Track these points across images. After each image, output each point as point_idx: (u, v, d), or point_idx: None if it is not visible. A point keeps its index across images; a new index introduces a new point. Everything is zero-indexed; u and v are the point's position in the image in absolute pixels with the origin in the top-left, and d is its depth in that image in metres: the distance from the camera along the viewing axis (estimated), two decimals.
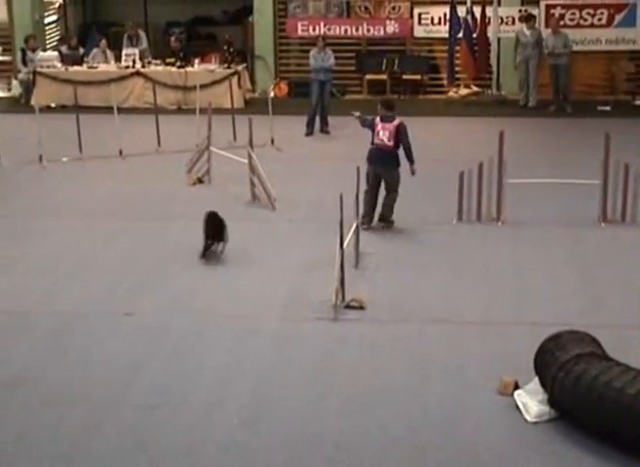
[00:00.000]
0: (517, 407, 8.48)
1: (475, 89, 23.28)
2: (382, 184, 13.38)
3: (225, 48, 22.93)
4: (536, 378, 8.54)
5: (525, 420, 8.31)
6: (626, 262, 12.13)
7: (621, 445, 7.84)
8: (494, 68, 22.68)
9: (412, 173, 13.27)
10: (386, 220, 13.44)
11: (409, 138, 13.22)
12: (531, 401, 8.43)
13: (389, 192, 13.41)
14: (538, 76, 21.79)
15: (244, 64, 23.25)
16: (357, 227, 11.89)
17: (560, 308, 10.71)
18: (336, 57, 20.09)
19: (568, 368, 8.16)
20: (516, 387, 8.69)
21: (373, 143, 13.31)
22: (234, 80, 21.90)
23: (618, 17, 22.45)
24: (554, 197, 14.37)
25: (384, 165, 13.25)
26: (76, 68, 22.55)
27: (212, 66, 22.59)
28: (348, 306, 10.67)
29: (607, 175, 13.35)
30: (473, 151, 15.95)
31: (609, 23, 22.50)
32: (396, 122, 13.16)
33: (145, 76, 22.23)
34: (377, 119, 13.24)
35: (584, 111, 20.99)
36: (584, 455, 7.85)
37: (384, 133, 13.12)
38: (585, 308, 10.74)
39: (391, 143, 13.15)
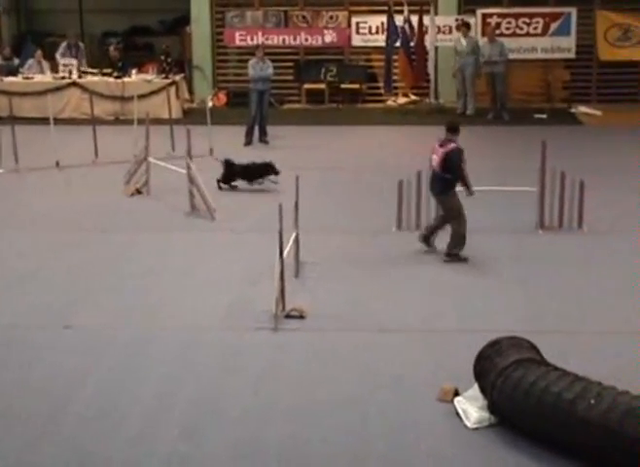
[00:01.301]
0: (458, 413, 8.53)
1: (413, 97, 23.47)
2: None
3: (162, 58, 22.88)
4: (476, 385, 8.60)
5: (465, 426, 8.36)
6: (564, 268, 12.27)
7: (560, 449, 7.92)
8: (432, 77, 22.86)
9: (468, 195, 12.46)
10: (448, 253, 12.58)
11: (463, 165, 12.38)
12: (471, 407, 8.48)
13: (446, 221, 12.67)
14: (475, 84, 22.00)
15: (182, 74, 23.23)
16: (297, 236, 11.88)
17: (501, 315, 10.79)
18: (274, 67, 20.13)
19: (507, 374, 8.23)
20: (456, 394, 8.74)
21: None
22: (172, 90, 21.89)
23: (553, 26, 22.76)
24: (493, 205, 14.50)
25: (434, 191, 12.62)
26: (11, 79, 22.37)
27: (150, 76, 22.53)
28: (289, 316, 10.67)
29: (544, 182, 13.50)
30: (412, 159, 16.04)
31: (544, 32, 22.82)
32: (450, 146, 12.25)
33: (82, 87, 22.09)
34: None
35: (521, 119, 21.25)
36: (524, 460, 7.90)
37: (435, 158, 12.36)
38: (525, 315, 10.82)
39: (438, 169, 12.32)
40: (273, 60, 20.54)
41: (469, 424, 8.36)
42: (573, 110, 22.39)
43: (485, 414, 8.37)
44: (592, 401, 7.76)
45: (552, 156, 13.67)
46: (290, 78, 23.94)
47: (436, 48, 22.80)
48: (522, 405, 8.09)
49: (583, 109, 22.23)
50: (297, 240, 11.92)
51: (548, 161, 13.46)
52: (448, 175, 12.26)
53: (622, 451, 7.58)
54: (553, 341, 9.66)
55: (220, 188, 15.80)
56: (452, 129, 12.37)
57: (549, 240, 13.31)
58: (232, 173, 15.88)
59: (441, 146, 12.31)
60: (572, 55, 22.96)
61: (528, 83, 23.18)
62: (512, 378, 8.19)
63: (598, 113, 22.04)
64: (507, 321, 10.51)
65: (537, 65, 23.27)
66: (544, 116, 21.63)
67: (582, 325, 10.56)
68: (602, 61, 23.14)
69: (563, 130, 19.95)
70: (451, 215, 12.48)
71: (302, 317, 10.68)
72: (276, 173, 15.62)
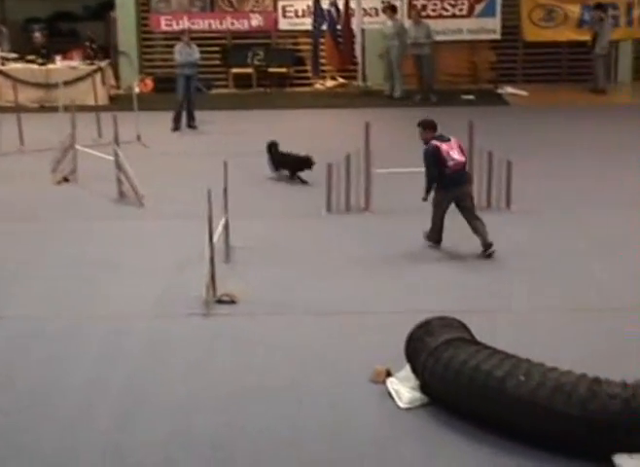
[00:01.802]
0: (390, 394, 8.57)
1: (341, 80, 23.47)
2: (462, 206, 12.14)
3: (87, 44, 22.61)
4: (407, 366, 8.64)
5: (398, 407, 8.39)
6: (496, 245, 12.35)
7: (491, 427, 7.99)
8: (359, 59, 22.88)
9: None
10: (491, 245, 12.02)
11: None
12: (403, 388, 8.52)
13: (474, 211, 12.22)
14: (401, 66, 22.05)
15: (108, 60, 22.97)
16: (226, 221, 11.82)
17: (435, 295, 10.85)
18: (201, 52, 20.00)
19: (437, 354, 8.28)
20: (389, 375, 8.77)
21: (448, 170, 11.76)
22: (98, 76, 21.66)
23: (478, 8, 22.89)
24: (420, 186, 14.47)
25: (467, 183, 12.19)
26: None
27: (75, 63, 22.26)
28: (220, 301, 10.62)
29: (472, 162, 13.58)
30: (340, 142, 16.05)
31: (470, 13, 22.94)
32: (454, 138, 12.01)
33: (5, 74, 21.75)
34: (436, 145, 11.78)
35: (448, 100, 21.35)
36: (456, 438, 7.96)
37: (454, 152, 11.80)
38: (458, 295, 10.88)
39: (464, 158, 11.97)
40: (200, 45, 20.41)
41: (401, 404, 8.39)
42: (500, 91, 22.54)
43: (417, 395, 8.41)
44: (522, 378, 7.84)
45: (481, 136, 13.77)
46: (217, 63, 23.81)
47: (363, 30, 22.81)
48: (454, 384, 8.14)
49: (509, 89, 22.41)
50: (226, 226, 11.87)
51: (476, 142, 13.55)
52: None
53: (551, 427, 7.69)
54: (484, 320, 9.75)
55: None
56: (435, 126, 11.99)
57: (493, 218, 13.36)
58: (274, 160, 15.51)
59: (447, 141, 11.87)
60: (497, 36, 23.10)
61: (455, 64, 23.30)
62: (442, 358, 8.24)
63: (524, 93, 22.23)
64: (440, 301, 10.55)
65: (463, 47, 23.38)
66: (471, 97, 21.74)
67: (508, 303, 10.67)
68: (527, 42, 23.32)
69: (491, 111, 20.10)
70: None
71: (233, 302, 10.63)
72: (309, 167, 15.17)
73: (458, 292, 10.95)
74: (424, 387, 8.41)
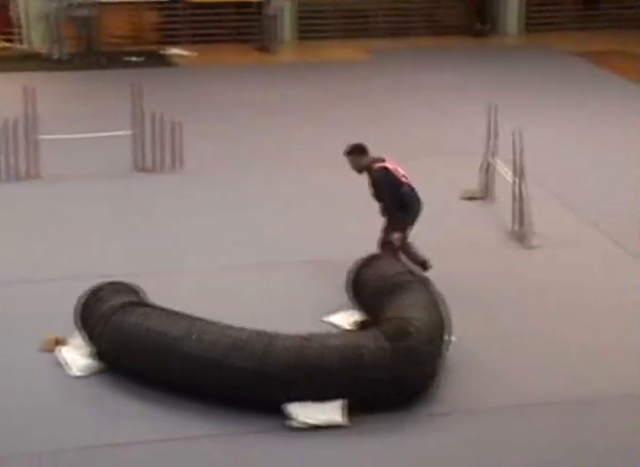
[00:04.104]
0: (61, 362, 8.42)
1: (3, 43, 22.54)
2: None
3: None
4: (78, 333, 8.52)
5: (69, 375, 8.27)
6: (163, 208, 12.35)
7: (171, 387, 8.04)
8: (23, 21, 22.06)
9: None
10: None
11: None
12: (77, 355, 8.40)
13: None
14: (63, 28, 21.45)
15: None
16: None
17: (103, 259, 10.74)
18: None
19: (108, 319, 8.22)
20: (59, 343, 8.59)
21: (405, 188, 10.02)
22: None
23: None
24: (91, 151, 14.20)
25: None
26: None
27: None
28: None
29: (141, 125, 13.49)
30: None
31: None
32: (387, 158, 10.23)
33: None
34: (383, 166, 10.07)
35: (114, 62, 20.96)
36: (133, 403, 7.97)
37: (397, 167, 10.19)
38: (131, 257, 10.83)
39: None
40: None
41: (74, 372, 8.28)
42: (165, 52, 22.36)
43: (91, 362, 8.32)
44: (194, 336, 7.92)
45: (149, 99, 13.67)
46: None
47: None
48: (128, 348, 8.13)
49: (175, 51, 22.30)
50: None
51: (145, 105, 13.44)
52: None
53: (227, 381, 7.83)
54: (159, 282, 9.76)
55: None
56: (365, 150, 10.18)
57: (146, 181, 13.31)
58: None
59: (383, 160, 10.21)
60: None
61: (119, 26, 22.92)
62: (114, 323, 8.19)
63: (191, 54, 22.20)
64: (111, 265, 10.47)
65: (126, 8, 23.01)
66: (138, 58, 21.47)
67: (181, 264, 10.77)
68: (192, 2, 23.30)
69: (158, 73, 19.94)
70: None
71: None
72: None
73: (131, 255, 10.91)
74: (98, 354, 8.33)
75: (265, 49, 22.09)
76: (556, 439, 7.65)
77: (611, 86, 18.54)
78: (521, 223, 11.41)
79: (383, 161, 10.11)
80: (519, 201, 11.40)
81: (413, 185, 10.09)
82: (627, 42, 21.78)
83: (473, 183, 12.52)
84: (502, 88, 17.88)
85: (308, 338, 7.96)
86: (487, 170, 12.45)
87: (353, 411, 7.73)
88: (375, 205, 10.13)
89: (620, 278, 10.50)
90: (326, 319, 9.22)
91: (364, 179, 10.11)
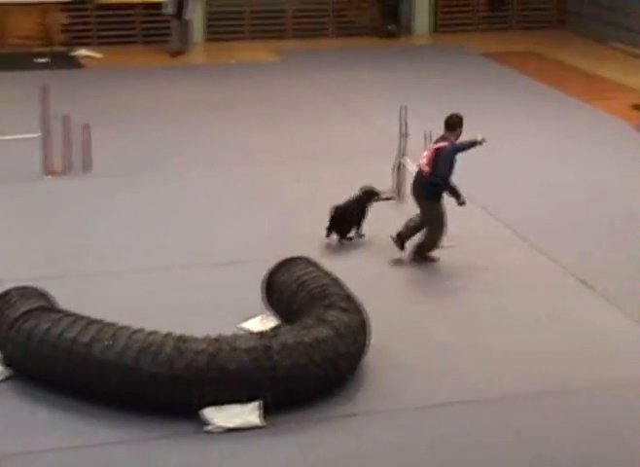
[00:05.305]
0: None
1: None
2: None
3: None
4: None
5: None
6: (72, 211, 12.15)
7: (82, 394, 7.91)
8: None
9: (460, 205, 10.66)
10: (417, 252, 10.78)
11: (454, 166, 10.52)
12: None
13: (424, 225, 10.77)
14: None
15: None
16: None
17: (13, 263, 10.54)
18: None
19: (18, 325, 8.09)
20: None
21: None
22: None
23: None
24: None
25: (416, 195, 10.79)
26: None
27: None
28: None
29: (48, 128, 13.28)
30: None
31: None
32: (442, 143, 10.46)
33: None
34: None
35: (20, 64, 20.65)
36: (41, 410, 7.86)
37: (424, 156, 10.57)
38: (40, 261, 10.66)
39: (427, 169, 10.48)
40: None
41: None
42: (74, 53, 22.10)
43: (0, 368, 8.16)
44: (107, 342, 7.81)
45: (57, 100, 13.47)
46: None
47: None
48: (38, 354, 7.99)
49: (83, 52, 22.02)
50: None
51: (52, 107, 13.23)
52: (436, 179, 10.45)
53: (140, 388, 7.73)
54: (69, 287, 9.61)
55: None
56: (447, 124, 10.48)
57: (55, 185, 13.10)
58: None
59: (435, 143, 10.64)
60: None
61: (26, 27, 22.58)
62: (24, 329, 8.05)
63: (99, 55, 21.95)
64: (19, 269, 10.30)
65: (34, 9, 22.68)
66: (45, 60, 21.18)
67: (91, 267, 10.61)
68: (100, 4, 23.05)
69: (66, 74, 19.67)
70: (429, 221, 10.69)
71: None
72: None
73: (38, 260, 10.72)
74: (6, 359, 8.18)
75: (174, 50, 21.94)
76: (472, 438, 7.70)
77: (518, 85, 18.77)
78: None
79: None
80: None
81: None
82: (535, 43, 22.10)
83: (386, 184, 12.54)
84: (412, 87, 17.98)
85: (218, 340, 7.91)
86: (399, 170, 12.49)
87: (268, 411, 7.70)
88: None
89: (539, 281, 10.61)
90: (240, 326, 9.11)
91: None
